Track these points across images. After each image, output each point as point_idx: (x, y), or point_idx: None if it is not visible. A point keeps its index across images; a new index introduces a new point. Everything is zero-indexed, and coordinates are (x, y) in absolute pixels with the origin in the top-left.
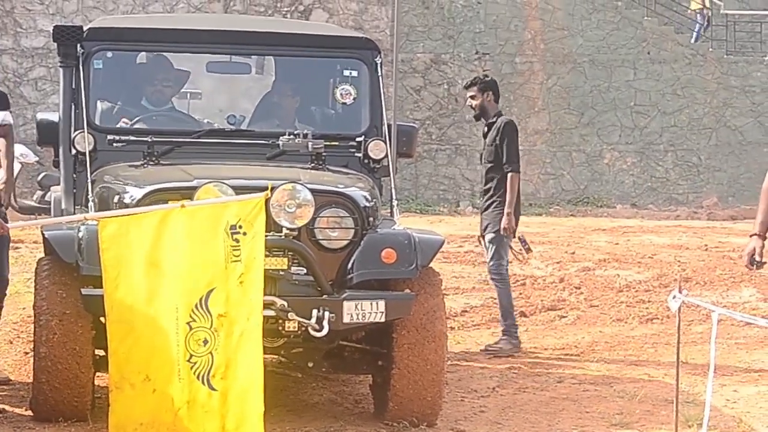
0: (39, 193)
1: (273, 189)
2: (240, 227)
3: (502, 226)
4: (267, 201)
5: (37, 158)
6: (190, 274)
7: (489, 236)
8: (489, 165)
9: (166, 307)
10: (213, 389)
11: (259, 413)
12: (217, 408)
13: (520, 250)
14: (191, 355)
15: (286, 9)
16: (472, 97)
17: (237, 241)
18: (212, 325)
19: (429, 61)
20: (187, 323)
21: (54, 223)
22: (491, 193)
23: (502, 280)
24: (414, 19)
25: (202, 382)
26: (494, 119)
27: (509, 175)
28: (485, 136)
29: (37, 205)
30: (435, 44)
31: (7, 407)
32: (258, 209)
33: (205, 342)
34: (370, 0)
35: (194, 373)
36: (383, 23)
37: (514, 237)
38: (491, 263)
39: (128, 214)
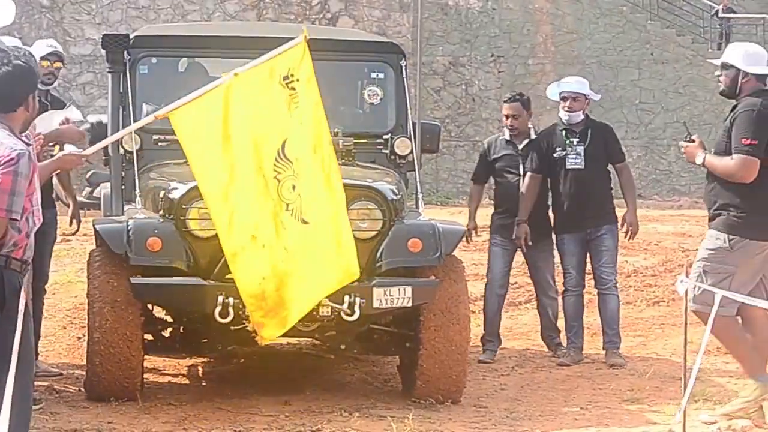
0: (87, 189)
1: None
2: (292, 75)
3: None
4: (308, 42)
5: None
6: (264, 133)
7: None
8: None
9: (250, 169)
10: (306, 223)
11: (351, 244)
12: (313, 240)
13: None
14: (287, 204)
15: (314, 16)
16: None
17: (293, 88)
18: (294, 172)
19: (448, 64)
20: (275, 177)
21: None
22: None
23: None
24: (433, 25)
25: (299, 221)
26: None
27: None
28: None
29: (86, 200)
30: (453, 48)
31: (62, 388)
32: (302, 52)
33: (294, 187)
34: (393, 7)
35: (294, 218)
36: (405, 29)
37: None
38: None
39: (189, 101)
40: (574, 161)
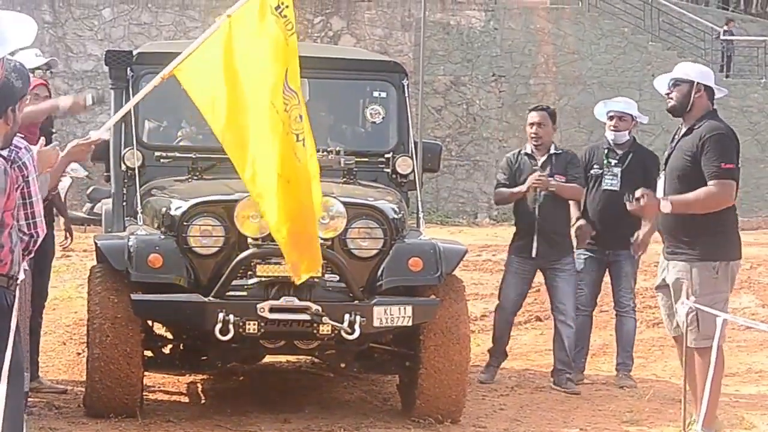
0: (88, 205)
1: None
2: (282, 3)
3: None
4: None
5: (86, 173)
6: (269, 66)
7: None
8: None
9: (263, 107)
10: (306, 148)
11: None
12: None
13: None
14: (297, 135)
15: (317, 35)
16: None
17: (285, 16)
18: (298, 101)
19: (449, 83)
20: (285, 110)
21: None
22: None
23: None
24: (435, 44)
25: (310, 152)
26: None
27: None
28: None
29: (87, 216)
30: (455, 67)
31: (62, 404)
32: None
33: (300, 117)
34: (394, 26)
35: (306, 148)
36: (406, 48)
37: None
38: None
39: (190, 53)
40: (611, 182)
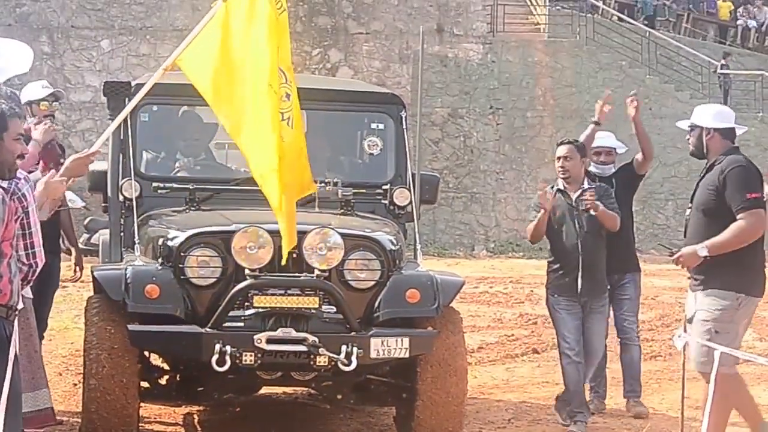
0: (85, 236)
1: (306, 233)
2: None
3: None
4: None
5: (84, 203)
6: (265, 48)
7: None
8: None
9: (262, 89)
10: (292, 128)
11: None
12: (297, 141)
13: None
14: (282, 114)
15: (314, 66)
16: None
17: None
18: (287, 80)
19: (446, 115)
20: (279, 89)
21: None
22: None
23: None
24: (433, 77)
25: (291, 127)
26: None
27: None
28: None
29: (84, 247)
30: (452, 99)
31: None
32: None
33: (288, 96)
34: (392, 58)
35: (288, 125)
36: (404, 80)
37: None
38: None
39: (189, 41)
40: None
